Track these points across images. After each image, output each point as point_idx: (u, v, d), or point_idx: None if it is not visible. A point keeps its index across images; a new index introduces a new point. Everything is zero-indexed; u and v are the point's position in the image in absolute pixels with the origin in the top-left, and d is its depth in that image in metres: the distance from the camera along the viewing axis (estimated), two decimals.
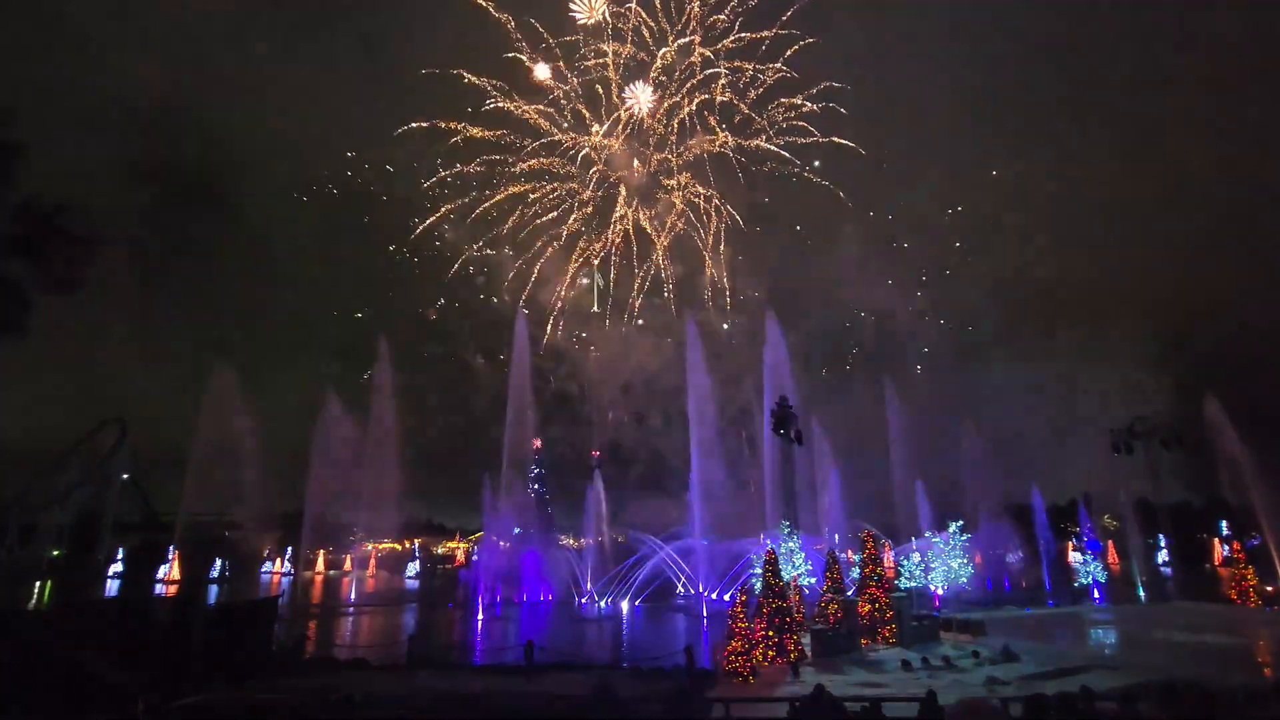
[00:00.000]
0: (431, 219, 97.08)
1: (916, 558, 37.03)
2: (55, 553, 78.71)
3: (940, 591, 40.96)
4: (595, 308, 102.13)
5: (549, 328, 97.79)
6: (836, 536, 61.01)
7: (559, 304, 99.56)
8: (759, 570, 30.04)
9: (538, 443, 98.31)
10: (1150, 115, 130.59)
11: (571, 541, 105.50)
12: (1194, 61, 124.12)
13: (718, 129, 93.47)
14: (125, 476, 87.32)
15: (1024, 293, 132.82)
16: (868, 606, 28.48)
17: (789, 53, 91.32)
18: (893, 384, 73.39)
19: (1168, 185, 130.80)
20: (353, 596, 66.83)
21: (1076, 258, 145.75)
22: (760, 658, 23.87)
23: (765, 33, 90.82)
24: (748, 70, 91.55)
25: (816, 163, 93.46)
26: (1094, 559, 51.19)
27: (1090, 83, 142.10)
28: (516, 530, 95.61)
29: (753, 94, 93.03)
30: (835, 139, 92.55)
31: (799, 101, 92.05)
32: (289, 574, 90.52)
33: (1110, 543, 78.76)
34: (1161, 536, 73.14)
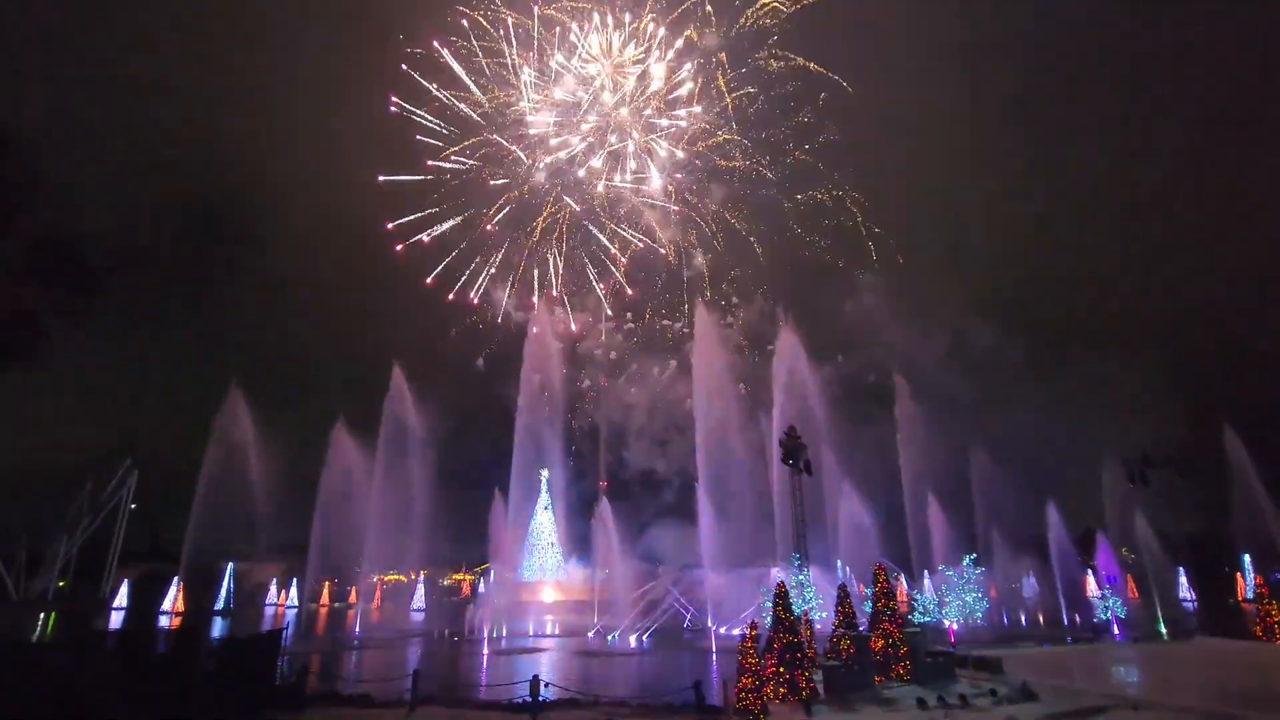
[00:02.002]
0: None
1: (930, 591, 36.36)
2: (61, 583, 78.48)
3: (955, 626, 40.05)
4: (604, 339, 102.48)
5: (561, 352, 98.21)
6: (849, 569, 60.04)
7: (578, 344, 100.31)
8: (769, 604, 29.51)
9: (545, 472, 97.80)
10: (1168, 143, 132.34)
11: (578, 573, 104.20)
12: (1208, 91, 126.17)
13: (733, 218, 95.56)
14: (133, 506, 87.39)
15: (1038, 323, 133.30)
16: (881, 642, 27.82)
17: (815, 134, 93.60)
18: (905, 415, 72.90)
19: (1184, 213, 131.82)
20: (358, 629, 65.98)
21: (1090, 287, 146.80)
22: (771, 694, 23.29)
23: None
24: (764, 163, 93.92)
25: (850, 268, 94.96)
26: (1113, 593, 49.98)
27: (1103, 113, 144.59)
28: (524, 561, 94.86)
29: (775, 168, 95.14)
30: (856, 211, 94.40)
31: (823, 197, 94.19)
32: (294, 606, 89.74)
33: (1129, 576, 76.99)
34: (1181, 570, 71.54)
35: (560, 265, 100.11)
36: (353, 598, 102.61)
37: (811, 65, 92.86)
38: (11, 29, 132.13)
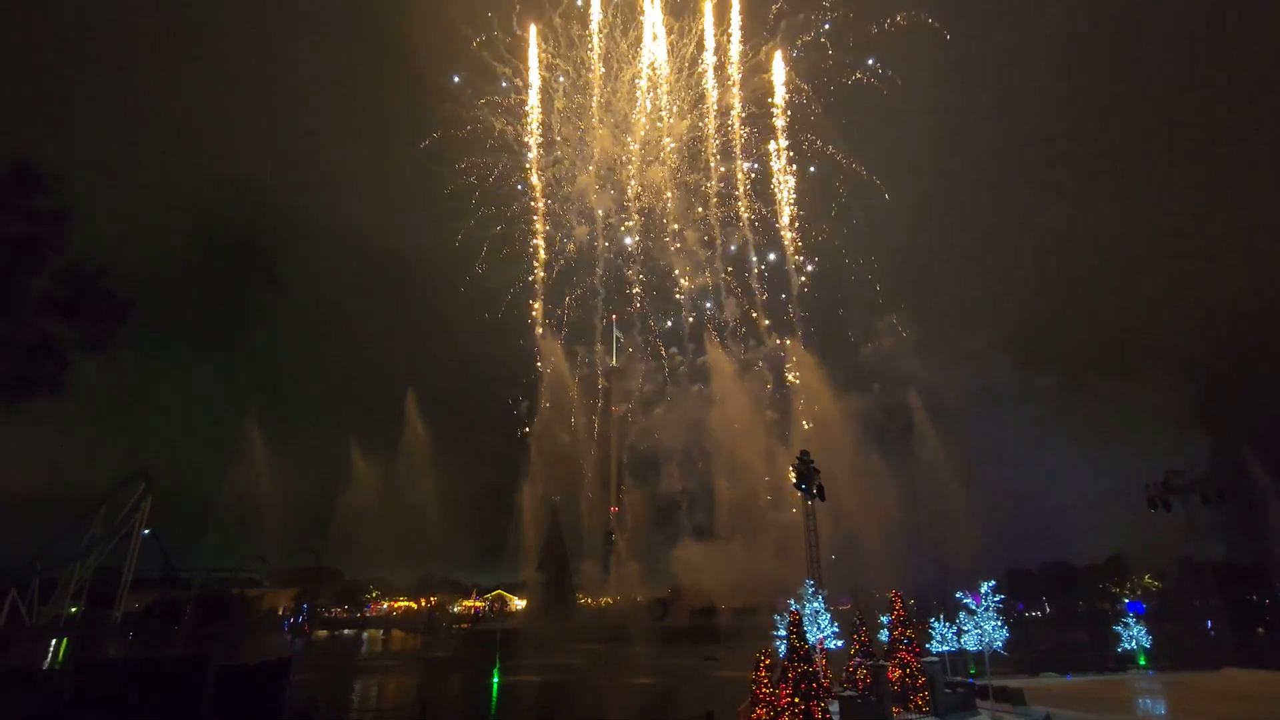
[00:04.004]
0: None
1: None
2: (74, 609, 78.45)
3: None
4: (614, 362, 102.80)
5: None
6: (865, 596, 59.00)
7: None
8: (783, 632, 28.99)
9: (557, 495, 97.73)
10: (1189, 164, 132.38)
11: (588, 601, 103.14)
12: (1225, 113, 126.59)
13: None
14: (146, 532, 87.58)
15: (1058, 354, 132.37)
16: (898, 672, 27.20)
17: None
18: (923, 443, 72.40)
19: (1203, 234, 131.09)
20: (366, 655, 65.61)
21: (1107, 309, 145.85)
22: None
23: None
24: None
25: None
26: (1138, 621, 48.65)
27: (1120, 136, 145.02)
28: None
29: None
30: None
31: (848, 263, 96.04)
32: (303, 633, 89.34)
33: (1155, 604, 75.09)
34: (1209, 598, 69.70)
35: (605, 311, 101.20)
36: (364, 625, 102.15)
37: (840, 155, 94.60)
38: (55, 70, 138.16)
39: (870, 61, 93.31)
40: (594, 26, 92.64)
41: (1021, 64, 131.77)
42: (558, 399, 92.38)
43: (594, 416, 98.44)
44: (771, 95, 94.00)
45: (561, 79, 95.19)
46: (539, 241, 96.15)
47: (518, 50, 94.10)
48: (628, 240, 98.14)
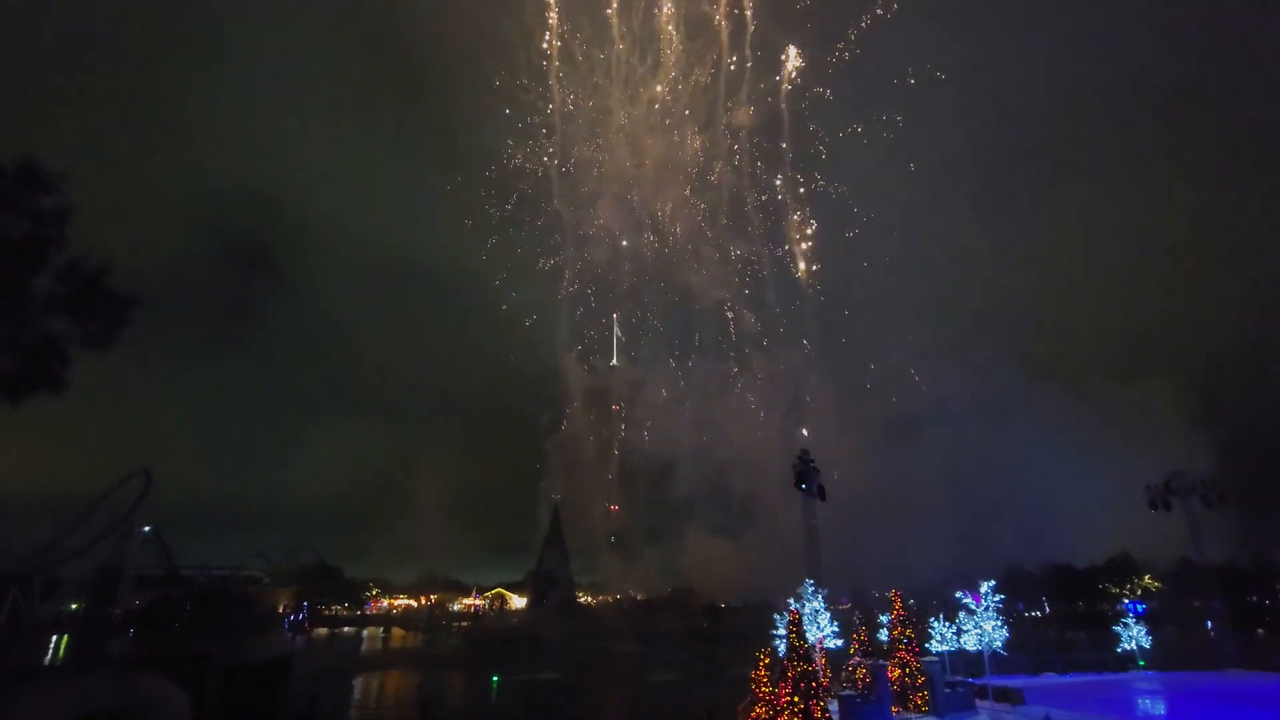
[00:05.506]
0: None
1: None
2: (75, 606, 78.61)
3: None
4: (615, 361, 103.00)
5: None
6: (871, 593, 59.04)
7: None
8: (782, 631, 29.02)
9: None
10: (1189, 170, 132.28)
11: (589, 599, 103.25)
12: (1232, 117, 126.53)
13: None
14: (147, 529, 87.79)
15: (1056, 348, 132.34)
16: (898, 671, 27.22)
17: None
18: (927, 446, 72.55)
19: (1204, 239, 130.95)
20: (366, 654, 65.65)
21: (1112, 311, 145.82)
22: None
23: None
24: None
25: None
26: (1137, 622, 48.64)
27: (1121, 143, 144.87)
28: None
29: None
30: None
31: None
32: (304, 630, 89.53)
33: (1155, 605, 75.09)
34: (1210, 598, 69.82)
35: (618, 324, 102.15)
36: (364, 624, 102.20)
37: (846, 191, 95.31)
38: (74, 73, 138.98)
39: (882, 114, 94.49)
40: (613, 51, 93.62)
41: (1024, 78, 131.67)
42: (569, 404, 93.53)
43: (610, 422, 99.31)
44: (783, 119, 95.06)
45: (582, 96, 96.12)
46: (560, 256, 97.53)
47: (540, 79, 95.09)
48: (645, 255, 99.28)
